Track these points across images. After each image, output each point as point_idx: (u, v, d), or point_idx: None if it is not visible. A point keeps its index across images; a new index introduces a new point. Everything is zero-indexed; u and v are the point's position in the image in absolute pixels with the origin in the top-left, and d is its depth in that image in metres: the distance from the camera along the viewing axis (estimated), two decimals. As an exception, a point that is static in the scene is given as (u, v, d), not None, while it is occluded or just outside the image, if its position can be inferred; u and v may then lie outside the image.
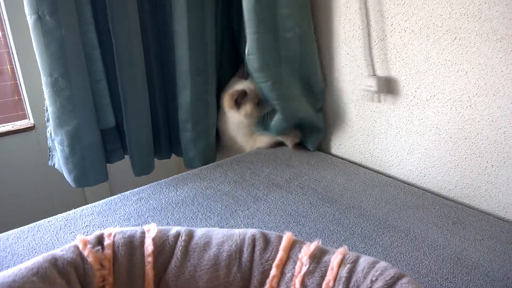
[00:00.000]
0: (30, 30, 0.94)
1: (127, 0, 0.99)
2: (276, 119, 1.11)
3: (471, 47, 0.81)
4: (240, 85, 1.16)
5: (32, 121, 1.31)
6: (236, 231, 0.56)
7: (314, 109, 1.13)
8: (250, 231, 0.55)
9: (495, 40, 0.77)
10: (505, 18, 0.75)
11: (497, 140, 0.82)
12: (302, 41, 1.05)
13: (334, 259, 0.50)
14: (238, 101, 1.14)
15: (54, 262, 0.49)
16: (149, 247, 0.52)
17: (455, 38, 0.83)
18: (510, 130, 0.79)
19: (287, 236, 0.54)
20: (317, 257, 0.51)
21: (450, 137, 0.89)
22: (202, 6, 1.07)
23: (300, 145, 1.19)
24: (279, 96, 1.06)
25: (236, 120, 1.18)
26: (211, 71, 1.15)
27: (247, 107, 1.14)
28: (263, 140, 1.19)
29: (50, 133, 1.07)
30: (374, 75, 0.99)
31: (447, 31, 0.84)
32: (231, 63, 1.25)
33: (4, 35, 1.24)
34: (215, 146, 1.25)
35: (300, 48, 1.05)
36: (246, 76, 1.15)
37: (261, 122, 1.18)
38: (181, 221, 0.82)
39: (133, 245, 0.53)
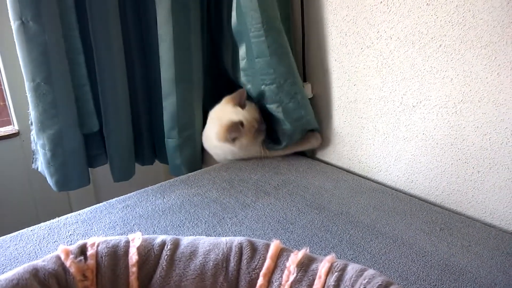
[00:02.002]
0: (14, 36, 0.93)
1: (108, 5, 0.99)
2: (283, 128, 1.07)
3: (456, 54, 0.82)
4: (236, 115, 1.05)
5: (16, 127, 1.28)
6: (223, 239, 0.55)
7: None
8: (237, 239, 0.54)
9: (480, 47, 0.78)
10: (489, 26, 0.76)
11: (482, 146, 0.83)
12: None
13: (322, 267, 0.49)
14: (236, 134, 1.04)
15: (35, 273, 0.48)
16: (133, 256, 0.51)
17: (440, 45, 0.84)
18: (495, 136, 0.80)
19: (274, 244, 0.53)
20: (305, 265, 0.50)
21: (437, 143, 0.90)
22: (188, 11, 1.06)
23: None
24: (283, 97, 1.03)
25: (227, 149, 1.09)
26: (196, 79, 1.13)
27: (243, 140, 1.05)
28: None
29: (34, 136, 1.06)
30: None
31: (432, 38, 0.85)
32: (218, 71, 1.24)
33: (-12, 40, 1.21)
34: (201, 153, 1.23)
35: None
36: (243, 104, 1.07)
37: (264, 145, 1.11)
38: (168, 229, 0.81)
39: (117, 255, 0.51)
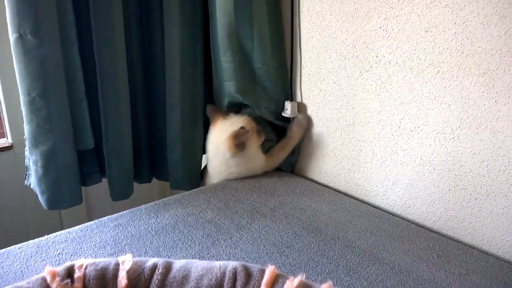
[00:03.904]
0: (12, 49, 0.92)
1: (113, 21, 0.99)
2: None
3: (454, 80, 0.82)
4: (233, 125, 1.06)
5: (10, 140, 1.27)
6: (217, 263, 0.53)
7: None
8: (231, 264, 0.53)
9: (477, 74, 0.79)
10: (487, 54, 0.76)
11: (480, 172, 0.82)
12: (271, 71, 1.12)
13: (318, 296, 0.48)
14: (244, 138, 1.04)
15: (19, 296, 0.46)
16: (122, 280, 0.50)
17: (438, 71, 0.84)
18: (493, 164, 0.80)
19: (269, 270, 0.52)
20: (301, 294, 0.49)
21: (434, 169, 0.89)
22: (195, 26, 1.10)
23: (279, 170, 1.19)
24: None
25: (242, 162, 1.09)
26: (199, 94, 1.16)
27: (253, 141, 1.06)
28: (278, 152, 1.15)
29: (27, 152, 1.04)
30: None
31: (430, 64, 0.85)
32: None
33: (-15, 53, 1.21)
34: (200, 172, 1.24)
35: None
36: (223, 113, 1.10)
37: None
38: (160, 250, 0.79)
39: (106, 278, 0.50)
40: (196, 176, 1.23)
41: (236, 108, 1.15)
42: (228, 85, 1.11)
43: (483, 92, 0.79)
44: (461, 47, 0.80)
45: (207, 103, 1.19)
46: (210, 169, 1.16)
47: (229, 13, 1.04)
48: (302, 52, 1.11)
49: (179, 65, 1.09)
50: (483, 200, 0.83)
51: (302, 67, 1.12)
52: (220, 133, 1.08)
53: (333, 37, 1.02)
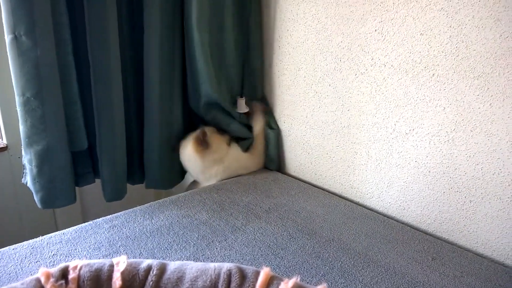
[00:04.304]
0: (7, 50, 0.92)
1: (108, 24, 0.99)
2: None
3: (449, 83, 0.83)
4: (194, 132, 1.16)
5: (5, 141, 1.26)
6: (211, 265, 0.53)
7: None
8: (225, 266, 0.53)
9: (472, 77, 0.79)
10: (482, 57, 0.77)
11: (475, 175, 0.82)
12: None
13: (313, 297, 0.48)
14: (205, 140, 1.13)
15: (12, 297, 0.45)
16: (117, 281, 0.49)
17: (433, 74, 0.85)
18: (487, 166, 0.80)
19: (264, 272, 0.51)
20: (295, 295, 0.49)
21: (429, 171, 0.90)
22: (172, 33, 1.11)
23: (273, 171, 1.22)
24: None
25: (217, 159, 1.16)
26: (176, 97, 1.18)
27: (214, 139, 1.15)
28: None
29: (23, 151, 1.04)
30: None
31: (425, 67, 0.86)
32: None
33: (-19, 53, 1.20)
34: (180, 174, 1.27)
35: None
36: (205, 145, 1.14)
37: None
38: (155, 251, 0.78)
39: (100, 279, 0.49)
40: (172, 177, 1.24)
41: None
42: (205, 87, 1.13)
43: (478, 95, 0.79)
44: (456, 50, 0.80)
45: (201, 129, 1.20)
46: (197, 179, 1.22)
47: (204, 19, 1.07)
48: (296, 54, 1.11)
49: (158, 67, 1.10)
50: (477, 202, 0.83)
51: (297, 70, 1.12)
52: (187, 146, 1.17)
53: (328, 40, 1.03)
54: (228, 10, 1.12)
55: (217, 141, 1.16)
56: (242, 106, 1.22)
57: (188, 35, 1.10)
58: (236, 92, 1.23)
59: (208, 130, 1.15)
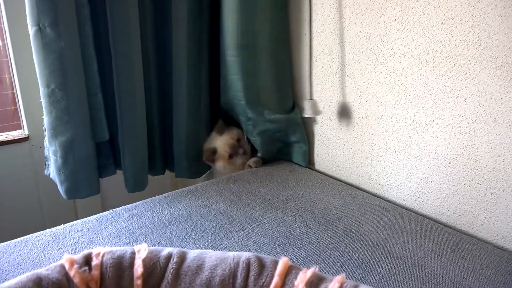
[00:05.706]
0: (31, 41, 0.94)
1: (130, 14, 1.00)
2: (253, 139, 1.18)
3: (470, 74, 0.81)
4: (212, 143, 1.21)
5: (26, 131, 1.29)
6: (230, 254, 0.54)
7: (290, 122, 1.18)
8: (244, 255, 0.53)
9: (495, 67, 0.77)
10: (505, 47, 0.75)
11: (496, 167, 0.81)
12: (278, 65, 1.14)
13: (332, 287, 0.48)
14: (211, 158, 1.20)
15: (38, 282, 0.47)
16: (138, 269, 0.50)
17: (454, 64, 0.83)
18: (509, 158, 0.79)
19: (283, 261, 0.52)
20: (314, 285, 0.49)
21: (449, 163, 0.88)
22: (202, 22, 1.11)
23: (291, 162, 1.22)
24: (255, 113, 1.14)
25: (220, 170, 1.23)
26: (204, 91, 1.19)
27: (219, 163, 1.20)
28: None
29: (46, 142, 1.06)
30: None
31: (446, 57, 0.84)
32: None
33: (4, 45, 1.23)
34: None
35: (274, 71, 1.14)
36: (221, 131, 1.21)
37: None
38: (174, 240, 0.80)
39: (122, 266, 0.51)
40: (200, 167, 1.27)
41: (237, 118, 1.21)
42: (234, 79, 1.12)
43: (500, 85, 0.77)
44: (478, 40, 0.79)
45: (218, 118, 1.24)
46: None
47: (237, 8, 1.05)
48: (314, 44, 1.10)
49: (185, 61, 1.11)
50: (498, 195, 0.82)
51: (315, 60, 1.11)
52: (208, 141, 1.24)
53: (346, 30, 1.01)
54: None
55: (223, 162, 1.21)
56: (313, 109, 1.11)
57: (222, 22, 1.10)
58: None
59: (221, 150, 1.19)
